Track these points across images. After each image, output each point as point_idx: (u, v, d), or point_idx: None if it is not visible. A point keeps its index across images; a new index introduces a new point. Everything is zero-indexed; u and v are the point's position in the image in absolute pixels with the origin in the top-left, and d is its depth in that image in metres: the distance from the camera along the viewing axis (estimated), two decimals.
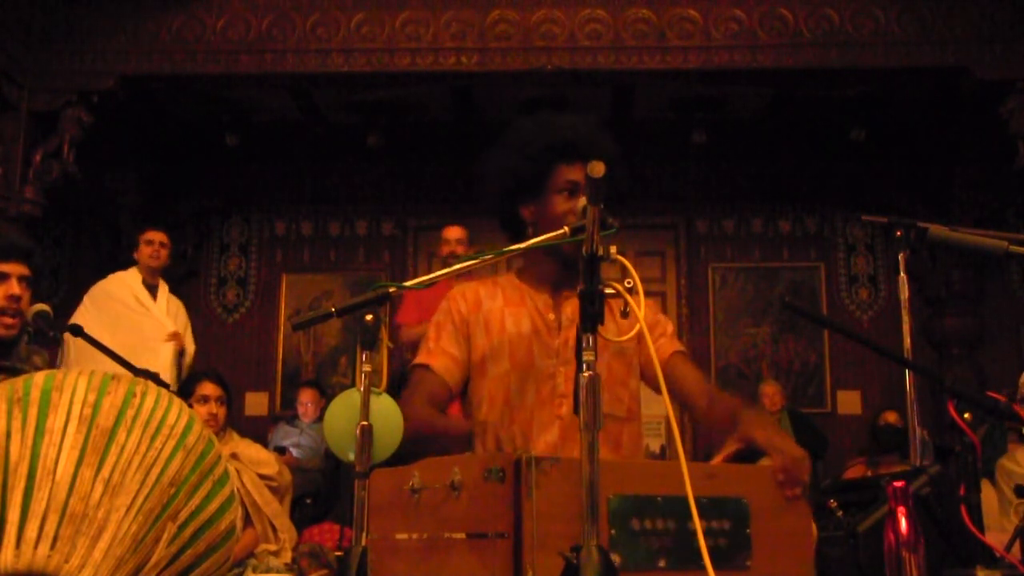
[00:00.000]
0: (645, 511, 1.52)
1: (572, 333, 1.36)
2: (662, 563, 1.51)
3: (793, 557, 1.66)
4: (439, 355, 2.09)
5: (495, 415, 2.02)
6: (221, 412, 3.72)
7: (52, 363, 3.52)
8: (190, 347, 5.12)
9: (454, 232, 5.19)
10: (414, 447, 1.91)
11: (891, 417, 5.52)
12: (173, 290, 5.31)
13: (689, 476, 1.43)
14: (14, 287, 2.84)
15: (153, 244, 5.10)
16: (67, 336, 3.97)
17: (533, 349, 2.04)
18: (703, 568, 1.42)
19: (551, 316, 2.07)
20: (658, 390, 2.10)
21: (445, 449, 1.84)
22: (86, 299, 5.03)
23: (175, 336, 4.94)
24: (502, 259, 1.71)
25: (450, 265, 1.65)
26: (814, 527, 1.90)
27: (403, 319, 5.18)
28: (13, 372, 2.59)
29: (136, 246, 5.15)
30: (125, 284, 5.07)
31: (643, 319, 1.51)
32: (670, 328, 2.19)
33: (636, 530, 1.50)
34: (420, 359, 2.11)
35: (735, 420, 1.89)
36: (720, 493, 1.59)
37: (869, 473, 5.04)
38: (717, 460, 1.80)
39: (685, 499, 1.42)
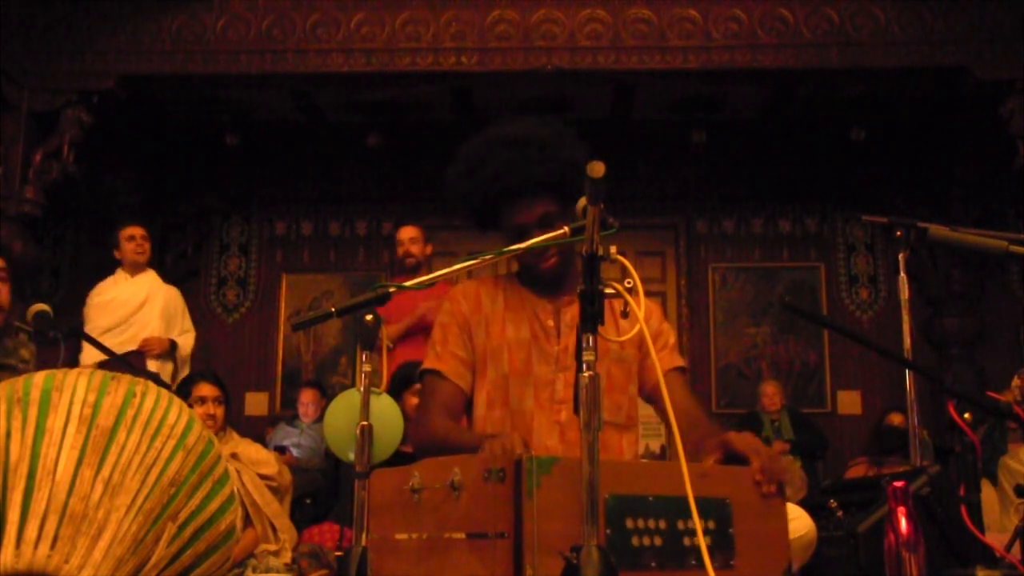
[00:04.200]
0: (638, 511, 1.53)
1: (572, 340, 1.36)
2: (653, 563, 1.52)
3: (771, 556, 1.69)
4: (448, 359, 2.08)
5: (495, 416, 2.03)
6: (219, 412, 3.71)
7: (51, 361, 3.49)
8: (181, 339, 5.08)
9: (408, 232, 4.83)
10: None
11: (896, 419, 5.50)
12: None
13: (683, 476, 1.43)
14: None
15: (135, 239, 5.02)
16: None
17: (531, 355, 2.04)
18: (692, 568, 1.42)
19: (550, 323, 2.07)
20: (649, 402, 2.12)
21: None
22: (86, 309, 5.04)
23: (148, 344, 4.86)
24: (501, 259, 1.71)
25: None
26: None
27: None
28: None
29: (117, 245, 5.05)
30: (111, 287, 5.08)
31: (643, 319, 1.51)
32: (672, 340, 2.18)
33: (629, 529, 1.51)
34: (430, 364, 2.10)
35: (709, 440, 1.90)
36: (706, 494, 1.60)
37: (872, 473, 5.04)
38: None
39: (675, 499, 1.43)
